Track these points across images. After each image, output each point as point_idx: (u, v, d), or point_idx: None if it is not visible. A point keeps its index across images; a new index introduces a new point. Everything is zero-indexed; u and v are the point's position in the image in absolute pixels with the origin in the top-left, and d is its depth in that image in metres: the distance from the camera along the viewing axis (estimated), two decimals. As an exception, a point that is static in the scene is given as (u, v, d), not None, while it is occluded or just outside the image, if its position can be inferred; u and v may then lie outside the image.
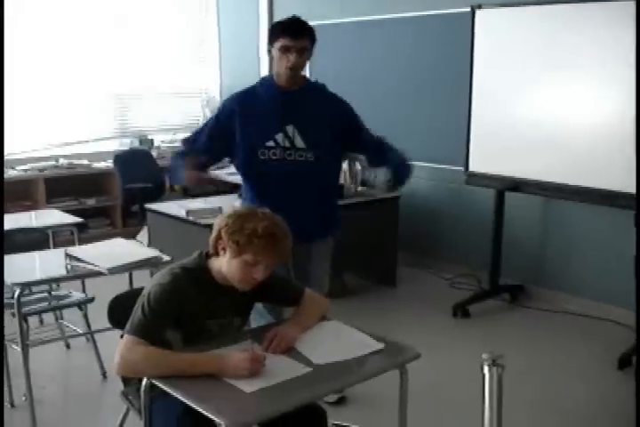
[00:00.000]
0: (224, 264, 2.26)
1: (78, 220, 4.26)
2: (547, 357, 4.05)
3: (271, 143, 3.10)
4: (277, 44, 3.02)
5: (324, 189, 3.26)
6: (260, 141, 3.10)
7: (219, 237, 2.25)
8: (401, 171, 3.16)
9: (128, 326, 2.18)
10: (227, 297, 2.33)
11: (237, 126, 3.13)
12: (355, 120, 3.27)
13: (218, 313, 2.34)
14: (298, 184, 3.13)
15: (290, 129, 3.10)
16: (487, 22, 4.60)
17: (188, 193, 6.62)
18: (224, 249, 2.24)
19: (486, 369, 1.82)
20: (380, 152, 3.25)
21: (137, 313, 2.18)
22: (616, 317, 4.49)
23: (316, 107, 3.17)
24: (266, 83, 3.20)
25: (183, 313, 2.23)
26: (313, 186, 3.18)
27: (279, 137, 3.10)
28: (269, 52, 3.11)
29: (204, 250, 2.34)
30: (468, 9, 4.67)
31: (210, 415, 1.88)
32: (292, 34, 3.00)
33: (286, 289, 2.53)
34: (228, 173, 5.35)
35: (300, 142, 3.10)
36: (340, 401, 3.42)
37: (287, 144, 3.10)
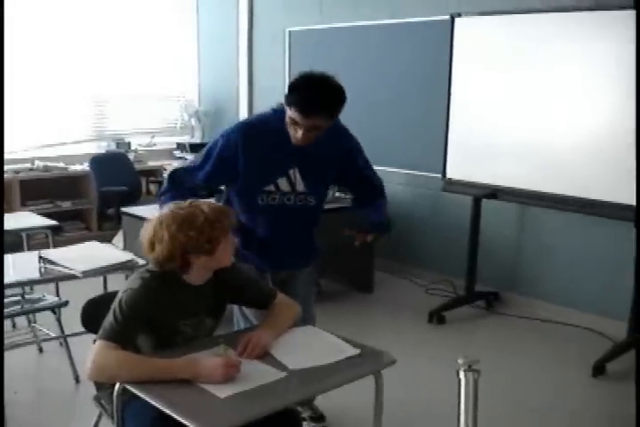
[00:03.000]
0: (206, 263, 2.27)
1: (53, 223, 4.24)
2: (521, 363, 4.06)
3: (271, 187, 2.86)
4: (288, 111, 2.65)
5: (313, 226, 3.09)
6: (259, 186, 2.85)
7: (186, 253, 2.22)
8: (375, 229, 3.14)
9: (100, 331, 2.17)
10: (197, 296, 2.33)
11: (240, 163, 2.81)
12: (354, 162, 3.01)
13: (189, 312, 2.33)
14: (292, 224, 2.95)
15: (293, 173, 2.85)
16: (466, 31, 4.62)
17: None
18: (197, 257, 2.24)
19: (462, 374, 1.82)
20: (366, 201, 3.17)
21: (109, 318, 2.17)
22: (590, 324, 4.52)
23: (323, 148, 2.83)
24: (279, 118, 2.75)
25: (155, 316, 2.22)
26: (306, 226, 3.04)
27: (281, 181, 2.85)
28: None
29: None
30: (448, 17, 4.70)
31: (183, 420, 1.86)
32: (303, 111, 2.60)
33: (258, 291, 2.53)
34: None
35: (301, 186, 2.88)
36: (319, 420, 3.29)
37: (288, 189, 2.88)
